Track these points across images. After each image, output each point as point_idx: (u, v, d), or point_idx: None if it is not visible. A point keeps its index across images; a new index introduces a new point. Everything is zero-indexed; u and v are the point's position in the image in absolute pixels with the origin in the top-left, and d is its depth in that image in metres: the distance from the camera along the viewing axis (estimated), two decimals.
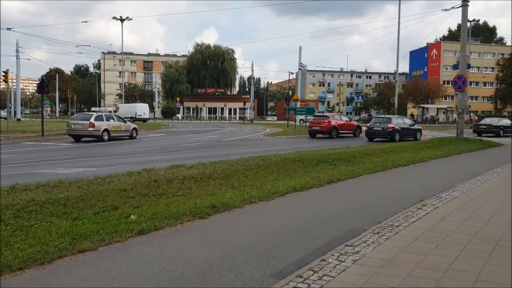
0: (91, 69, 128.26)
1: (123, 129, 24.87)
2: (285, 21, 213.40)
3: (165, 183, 8.50)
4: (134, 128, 25.93)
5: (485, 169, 11.71)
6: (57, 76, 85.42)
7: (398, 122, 25.53)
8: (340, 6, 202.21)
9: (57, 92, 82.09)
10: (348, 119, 32.49)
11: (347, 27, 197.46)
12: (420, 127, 27.87)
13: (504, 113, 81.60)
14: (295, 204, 7.48)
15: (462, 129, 21.87)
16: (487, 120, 33.11)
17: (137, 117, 56.58)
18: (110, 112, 29.32)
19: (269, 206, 7.30)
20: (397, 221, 6.10)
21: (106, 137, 22.95)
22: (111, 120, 24.13)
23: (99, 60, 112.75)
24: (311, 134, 29.19)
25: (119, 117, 26.26)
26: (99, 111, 29.50)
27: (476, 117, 61.94)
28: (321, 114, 34.09)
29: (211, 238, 5.37)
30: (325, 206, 7.42)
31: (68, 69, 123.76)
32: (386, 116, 30.09)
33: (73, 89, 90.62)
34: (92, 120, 22.59)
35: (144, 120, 58.07)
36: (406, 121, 27.09)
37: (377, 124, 25.70)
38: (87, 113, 27.03)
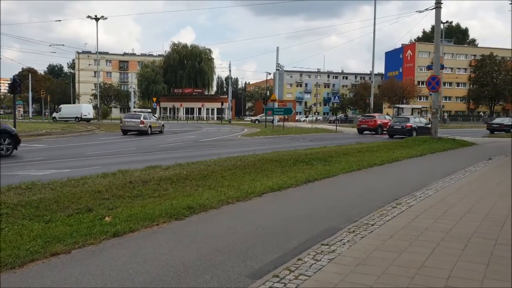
0: (66, 69, 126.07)
1: (157, 126, 32.22)
2: (263, 21, 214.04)
3: (141, 184, 8.41)
4: (163, 125, 34.19)
5: (458, 168, 11.97)
6: (30, 76, 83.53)
7: (415, 121, 29.88)
8: (317, 7, 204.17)
9: (30, 92, 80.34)
10: (390, 118, 36.88)
11: (324, 27, 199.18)
12: None
13: (480, 113, 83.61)
14: (272, 204, 7.49)
15: (436, 129, 22.31)
16: (498, 120, 41.28)
17: (82, 117, 58.05)
18: (149, 112, 33.75)
19: (246, 206, 7.29)
20: (372, 219, 6.18)
21: (149, 131, 30.16)
22: (151, 119, 31.45)
23: (73, 60, 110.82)
24: (359, 131, 34.05)
25: (154, 116, 33.26)
26: (141, 112, 32.45)
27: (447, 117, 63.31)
28: (369, 114, 39.48)
29: (187, 239, 5.33)
30: (302, 205, 7.45)
31: (41, 68, 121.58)
32: (405, 116, 35.87)
33: (47, 89, 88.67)
34: (141, 119, 29.54)
35: (88, 120, 58.79)
36: (422, 121, 31.70)
37: (397, 123, 29.56)
38: (136, 113, 32.16)
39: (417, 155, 15.74)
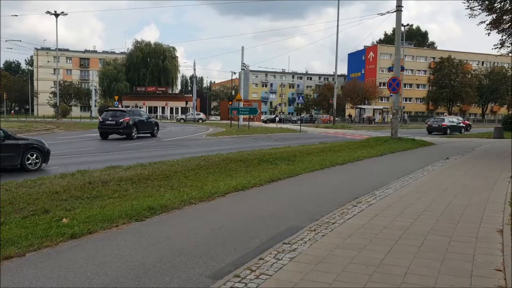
0: (23, 66, 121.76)
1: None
2: (228, 20, 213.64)
3: (100, 185, 8.23)
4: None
5: (417, 167, 12.31)
6: None
7: (449, 121, 36.56)
8: (282, 7, 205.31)
9: None
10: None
11: (288, 28, 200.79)
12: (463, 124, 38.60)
13: (441, 114, 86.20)
14: (235, 204, 7.48)
15: (397, 129, 22.86)
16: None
17: None
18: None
19: (209, 206, 7.25)
20: (333, 218, 6.27)
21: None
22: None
23: (31, 57, 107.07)
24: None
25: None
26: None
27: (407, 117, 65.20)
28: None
29: (148, 241, 5.24)
30: (265, 205, 7.47)
31: None
32: (441, 116, 44.03)
33: (3, 86, 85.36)
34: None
35: None
36: (455, 120, 38.01)
37: (435, 122, 36.41)
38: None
39: (377, 154, 16.09)
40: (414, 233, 5.50)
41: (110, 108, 30.34)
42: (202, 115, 70.79)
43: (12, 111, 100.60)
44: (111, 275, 4.13)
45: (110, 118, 24.96)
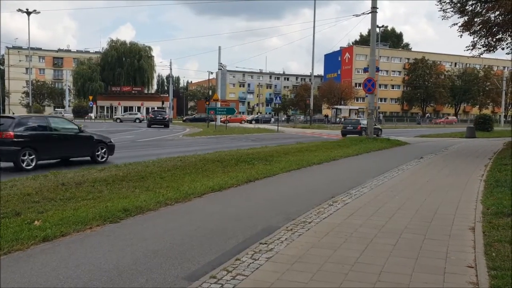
0: None
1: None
2: (205, 20, 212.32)
3: (74, 187, 8.06)
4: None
5: (391, 167, 12.49)
6: None
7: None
8: (258, 8, 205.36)
9: None
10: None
11: (265, 28, 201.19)
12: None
13: (425, 114, 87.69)
14: (212, 205, 7.43)
15: (372, 129, 23.18)
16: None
17: None
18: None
19: (185, 207, 7.18)
20: (309, 217, 6.30)
21: None
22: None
23: (2, 55, 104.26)
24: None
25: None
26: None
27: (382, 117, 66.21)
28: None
29: (122, 243, 5.15)
30: (242, 205, 7.46)
31: None
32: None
33: None
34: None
35: None
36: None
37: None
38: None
39: (353, 154, 16.26)
40: (389, 232, 5.57)
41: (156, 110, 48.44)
42: (139, 115, 63.50)
43: None
44: (84, 278, 4.04)
45: (158, 116, 44.28)
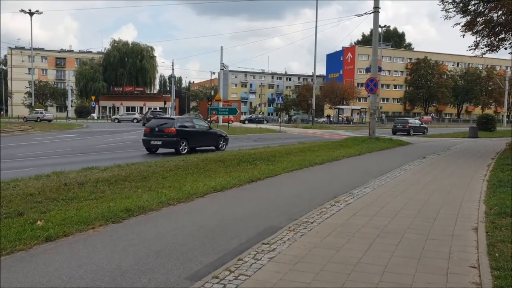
0: None
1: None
2: (206, 20, 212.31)
3: (77, 187, 8.07)
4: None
5: (394, 167, 12.47)
6: None
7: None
8: (259, 8, 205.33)
9: None
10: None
11: (267, 29, 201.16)
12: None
13: (418, 114, 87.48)
14: (214, 205, 7.44)
15: (374, 129, 23.13)
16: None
17: None
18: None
19: (187, 207, 7.18)
20: (312, 217, 6.29)
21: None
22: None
23: (5, 56, 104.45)
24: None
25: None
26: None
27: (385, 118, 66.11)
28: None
29: (125, 243, 5.16)
30: (244, 205, 7.46)
31: None
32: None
33: None
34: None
35: None
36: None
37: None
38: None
39: (355, 154, 16.25)
40: (391, 232, 5.56)
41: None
42: (137, 115, 63.37)
43: None
44: (86, 278, 4.05)
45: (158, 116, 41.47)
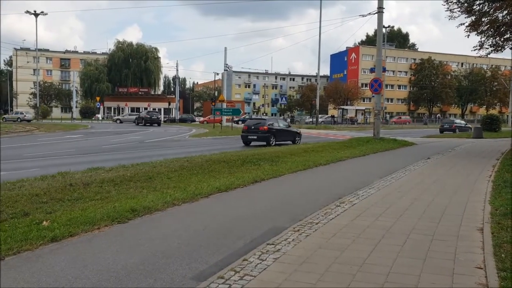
0: (2, 66, 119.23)
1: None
2: (210, 21, 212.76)
3: (82, 187, 8.11)
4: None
5: (399, 167, 12.44)
6: None
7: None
8: (263, 9, 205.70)
9: None
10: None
11: (271, 29, 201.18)
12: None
13: (438, 115, 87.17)
14: (219, 205, 7.45)
15: (378, 129, 23.07)
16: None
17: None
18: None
19: (192, 207, 7.20)
20: (316, 218, 6.28)
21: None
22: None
23: (10, 57, 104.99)
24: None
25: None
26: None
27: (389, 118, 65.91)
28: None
29: (130, 243, 5.17)
30: (248, 205, 7.46)
31: None
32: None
33: None
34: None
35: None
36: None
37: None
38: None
39: (360, 155, 16.22)
40: (396, 233, 5.55)
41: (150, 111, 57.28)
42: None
43: None
44: (92, 279, 4.07)
45: (153, 116, 53.09)
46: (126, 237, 5.45)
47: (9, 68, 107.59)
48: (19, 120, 55.32)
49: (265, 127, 21.46)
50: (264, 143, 21.16)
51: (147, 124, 50.21)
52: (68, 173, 9.57)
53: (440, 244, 5.06)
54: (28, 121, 56.03)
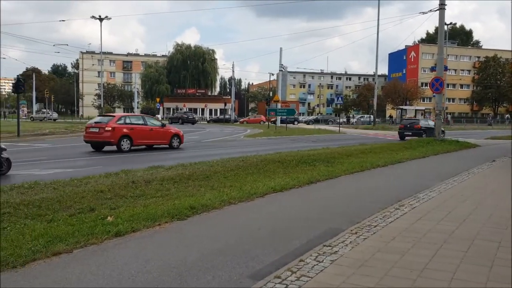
0: (69, 69, 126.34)
1: None
2: (265, 22, 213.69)
3: (143, 184, 8.42)
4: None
5: (461, 170, 11.92)
6: (34, 75, 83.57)
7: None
8: (318, 8, 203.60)
9: (33, 92, 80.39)
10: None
11: (326, 29, 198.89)
12: None
13: (490, 114, 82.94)
14: (274, 205, 7.48)
15: (440, 130, 22.23)
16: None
17: None
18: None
19: (248, 207, 7.28)
20: (375, 221, 6.15)
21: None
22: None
23: (77, 60, 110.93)
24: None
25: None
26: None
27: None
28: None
29: (189, 240, 5.32)
30: (304, 206, 7.44)
31: (45, 68, 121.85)
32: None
33: (51, 89, 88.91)
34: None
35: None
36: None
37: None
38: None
39: (420, 156, 15.69)
40: (459, 238, 5.33)
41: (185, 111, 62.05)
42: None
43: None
44: (154, 273, 4.22)
45: (190, 116, 58.35)
46: (185, 233, 5.60)
47: (75, 71, 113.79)
48: (45, 119, 60.32)
49: (419, 125, 27.18)
50: (416, 137, 24.40)
51: (184, 123, 53.89)
52: (131, 171, 9.97)
53: (507, 252, 4.79)
54: (54, 120, 60.91)
